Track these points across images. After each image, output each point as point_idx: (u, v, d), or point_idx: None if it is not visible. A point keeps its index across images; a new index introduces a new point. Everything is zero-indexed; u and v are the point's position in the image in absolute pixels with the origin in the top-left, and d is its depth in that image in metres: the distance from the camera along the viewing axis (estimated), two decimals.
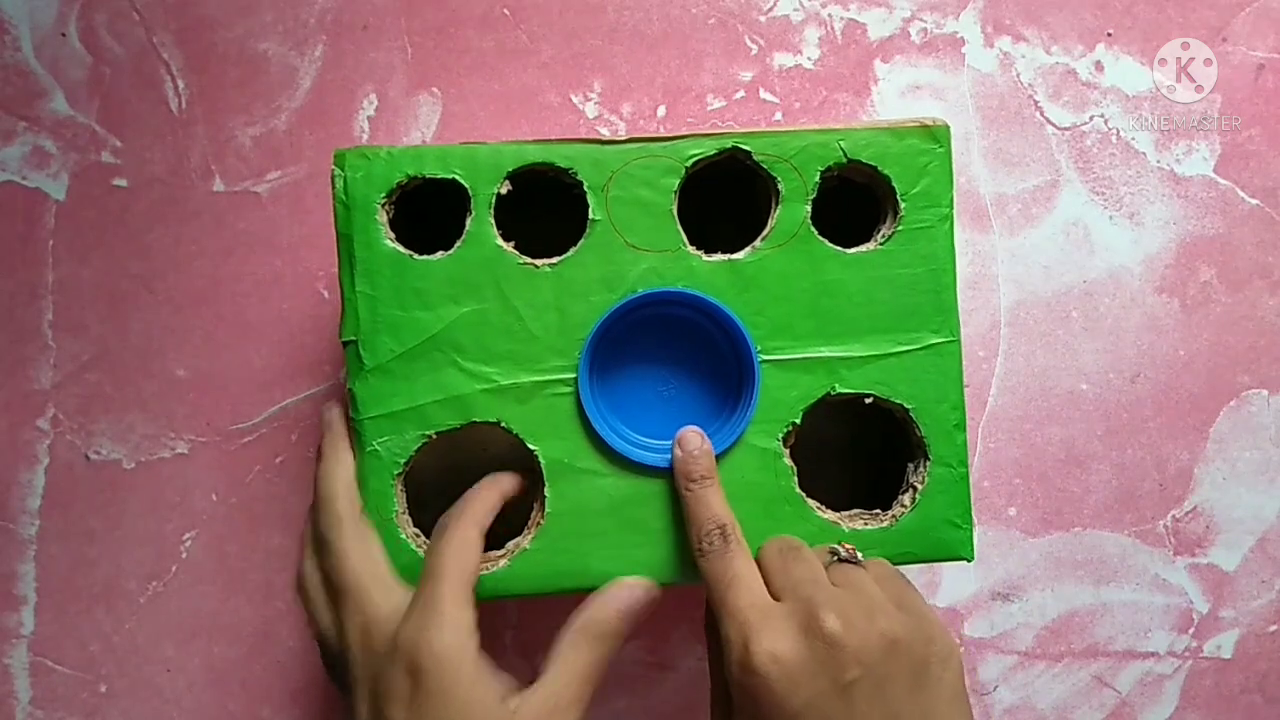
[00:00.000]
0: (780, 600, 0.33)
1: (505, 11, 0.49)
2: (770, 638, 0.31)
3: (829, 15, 0.49)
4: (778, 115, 0.49)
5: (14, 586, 0.46)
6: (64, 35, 0.47)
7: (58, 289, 0.47)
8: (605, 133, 0.48)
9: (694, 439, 0.37)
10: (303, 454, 0.47)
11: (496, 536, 0.38)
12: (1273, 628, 0.50)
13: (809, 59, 0.49)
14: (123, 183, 0.47)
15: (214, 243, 0.47)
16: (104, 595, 0.46)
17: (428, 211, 0.40)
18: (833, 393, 0.38)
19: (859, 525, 0.38)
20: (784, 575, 0.33)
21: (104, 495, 0.46)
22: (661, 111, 0.49)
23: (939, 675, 0.32)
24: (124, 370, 0.47)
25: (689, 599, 0.48)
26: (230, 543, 0.47)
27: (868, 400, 0.38)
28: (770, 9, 0.49)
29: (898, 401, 0.38)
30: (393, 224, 0.38)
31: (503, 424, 0.37)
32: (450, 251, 0.37)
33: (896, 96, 0.49)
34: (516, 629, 0.47)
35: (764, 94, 0.49)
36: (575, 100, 0.49)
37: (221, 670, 0.46)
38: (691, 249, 0.38)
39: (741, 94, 0.49)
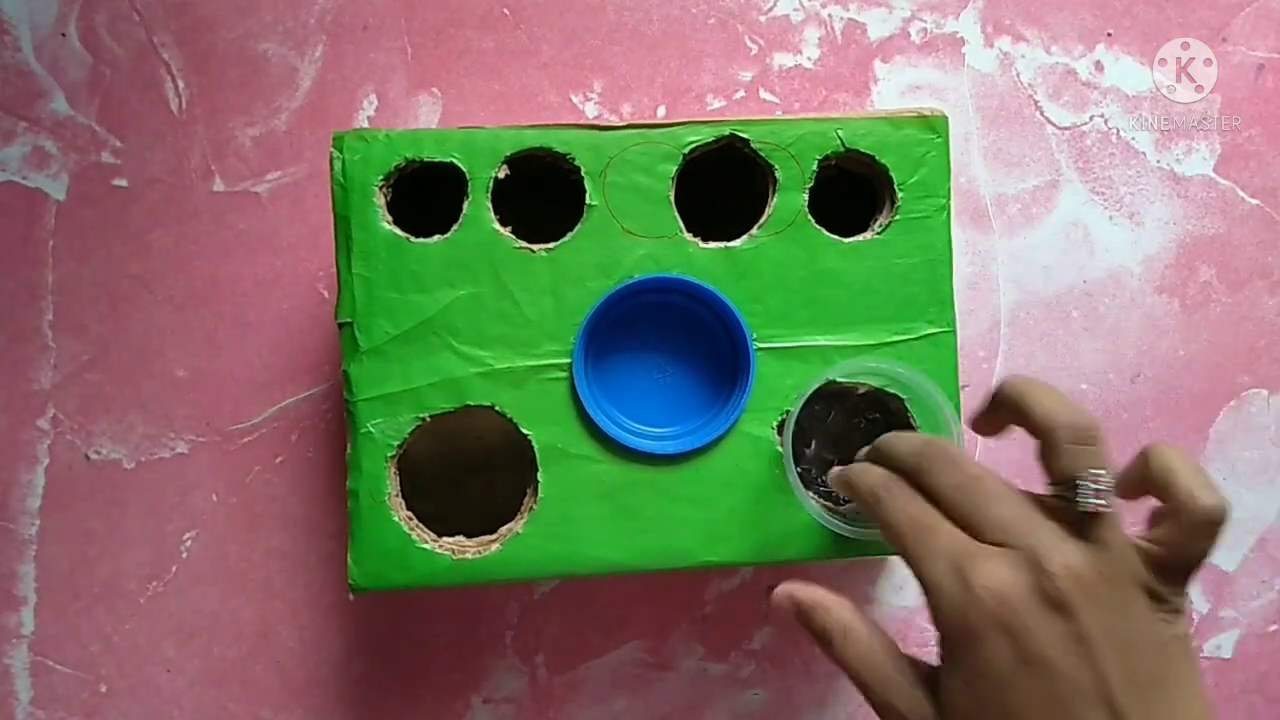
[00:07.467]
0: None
1: (505, 11, 0.49)
2: (988, 569, 0.27)
3: (829, 15, 0.49)
4: (778, 115, 0.49)
5: (14, 586, 0.46)
6: (64, 35, 0.47)
7: (58, 289, 0.47)
8: None
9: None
10: (302, 454, 0.47)
11: (490, 521, 0.38)
12: (1273, 628, 0.50)
13: (809, 59, 0.49)
14: (123, 183, 0.47)
15: (214, 243, 0.47)
16: (104, 595, 0.46)
17: (428, 200, 0.40)
18: (830, 382, 0.38)
19: (852, 515, 0.38)
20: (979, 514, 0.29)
21: (104, 495, 0.46)
22: (661, 111, 0.49)
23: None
24: (124, 370, 0.47)
25: (689, 599, 0.48)
26: (230, 543, 0.47)
27: (861, 391, 0.38)
28: (770, 9, 0.49)
29: (892, 392, 0.38)
30: (391, 210, 0.38)
31: (497, 408, 0.37)
32: (447, 235, 0.37)
33: (896, 96, 0.49)
34: (516, 629, 0.47)
35: (764, 94, 0.49)
36: (575, 100, 0.49)
37: (221, 670, 0.46)
38: (688, 236, 0.38)
39: (741, 94, 0.49)
